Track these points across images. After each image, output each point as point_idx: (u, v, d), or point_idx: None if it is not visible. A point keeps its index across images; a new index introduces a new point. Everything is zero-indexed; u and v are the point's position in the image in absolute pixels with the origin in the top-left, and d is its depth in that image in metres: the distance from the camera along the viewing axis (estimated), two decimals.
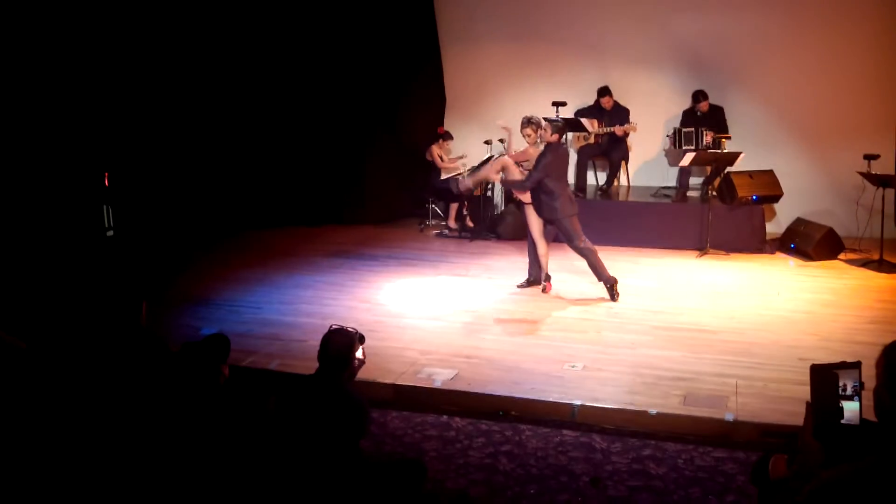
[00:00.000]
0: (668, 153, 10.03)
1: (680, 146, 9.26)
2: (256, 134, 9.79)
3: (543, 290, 7.00)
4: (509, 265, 8.08)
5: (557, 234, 7.02)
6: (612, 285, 6.85)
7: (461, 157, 10.05)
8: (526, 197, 6.86)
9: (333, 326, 3.76)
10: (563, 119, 9.29)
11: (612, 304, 6.77)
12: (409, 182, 10.47)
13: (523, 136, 6.86)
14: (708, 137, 9.12)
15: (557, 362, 5.49)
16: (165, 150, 8.93)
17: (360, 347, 3.77)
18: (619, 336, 6.02)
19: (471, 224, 9.95)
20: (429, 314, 6.57)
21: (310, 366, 3.80)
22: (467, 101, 10.81)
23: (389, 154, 10.41)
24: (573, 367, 5.41)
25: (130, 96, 8.49)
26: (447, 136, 10.03)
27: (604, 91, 9.57)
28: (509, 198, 9.66)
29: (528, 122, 6.81)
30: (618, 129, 9.35)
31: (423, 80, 10.51)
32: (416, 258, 8.52)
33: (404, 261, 8.40)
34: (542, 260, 6.97)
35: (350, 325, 3.84)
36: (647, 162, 10.26)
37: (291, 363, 5.42)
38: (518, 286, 7.19)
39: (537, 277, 7.16)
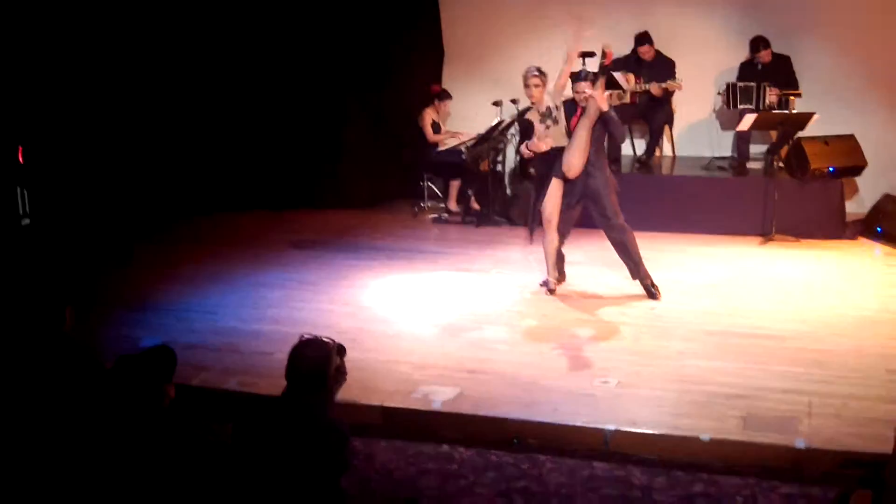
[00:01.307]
0: (721, 115, 10.01)
1: (736, 106, 9.24)
2: (209, 96, 9.80)
3: (550, 291, 7.01)
4: (525, 257, 8.08)
5: (582, 219, 7.01)
6: (651, 281, 6.86)
7: (458, 135, 10.05)
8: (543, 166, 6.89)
9: (305, 336, 3.75)
10: (592, 73, 9.31)
11: (653, 303, 6.77)
12: (400, 155, 10.48)
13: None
14: (772, 95, 9.11)
15: (586, 377, 5.49)
16: (97, 117, 8.91)
17: (340, 361, 3.77)
18: (663, 344, 6.02)
19: (476, 206, 9.95)
20: (425, 319, 6.56)
21: (277, 385, 3.80)
22: (470, 52, 10.79)
23: (375, 121, 10.40)
24: (605, 382, 5.42)
25: (54, 52, 8.47)
26: (444, 96, 10.02)
27: (642, 38, 9.54)
28: (524, 173, 9.65)
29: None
30: (658, 87, 9.34)
31: (416, 27, 10.51)
32: (408, 249, 8.52)
33: (394, 253, 8.40)
34: (549, 249, 6.95)
35: (326, 334, 3.83)
36: (696, 126, 10.24)
37: (254, 381, 5.43)
38: (544, 285, 7.17)
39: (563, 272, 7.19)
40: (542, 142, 6.82)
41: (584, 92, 6.68)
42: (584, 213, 6.99)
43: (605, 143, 7.07)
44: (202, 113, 9.79)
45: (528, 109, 6.94)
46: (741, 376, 5.46)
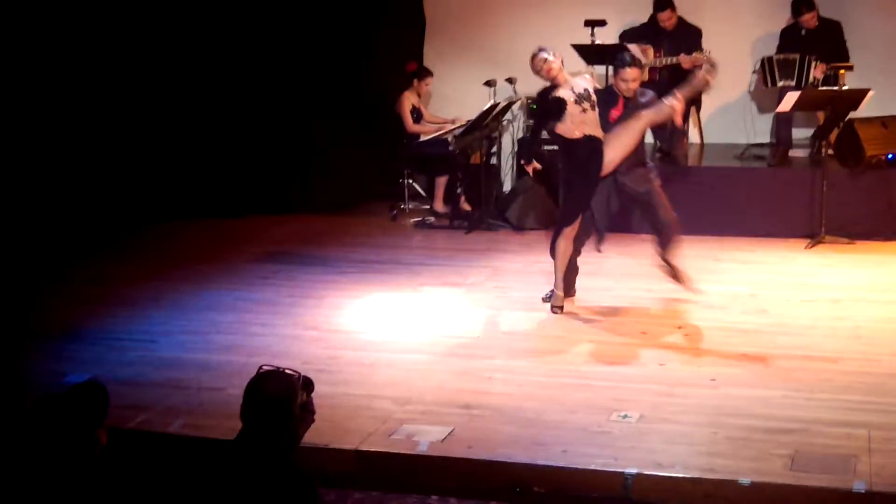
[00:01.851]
0: (758, 94, 10.06)
1: (775, 83, 9.29)
2: (154, 87, 9.81)
3: (557, 308, 7.03)
4: (528, 267, 8.08)
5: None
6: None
7: (444, 122, 10.07)
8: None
9: (264, 368, 3.74)
10: (600, 46, 9.37)
11: (680, 320, 6.78)
12: (376, 148, 10.49)
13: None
14: (818, 69, 9.15)
15: (601, 411, 5.49)
16: (29, 118, 8.93)
17: (306, 398, 3.75)
18: (694, 369, 6.03)
19: (467, 207, 9.98)
20: (408, 345, 6.56)
21: (230, 427, 3.79)
22: (456, 23, 10.84)
23: (347, 109, 10.42)
24: (625, 417, 5.41)
25: None
26: (424, 74, 10.05)
27: (663, 3, 9.58)
28: (524, 170, 9.70)
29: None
30: (684, 60, 9.36)
31: None
32: (387, 261, 8.54)
33: (370, 266, 8.41)
34: (562, 258, 6.96)
35: (290, 364, 3.82)
36: (729, 108, 10.30)
37: (203, 423, 5.40)
38: (548, 301, 7.19)
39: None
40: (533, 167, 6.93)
41: (629, 81, 6.71)
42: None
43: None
44: (147, 107, 9.80)
45: (553, 88, 6.76)
46: (787, 407, 5.47)
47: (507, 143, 10.60)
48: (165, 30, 9.77)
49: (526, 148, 8.20)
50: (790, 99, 8.55)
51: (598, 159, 6.71)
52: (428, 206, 10.16)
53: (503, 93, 9.99)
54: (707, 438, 5.15)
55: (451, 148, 9.46)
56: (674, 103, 6.75)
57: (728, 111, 10.27)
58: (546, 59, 6.70)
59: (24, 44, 8.99)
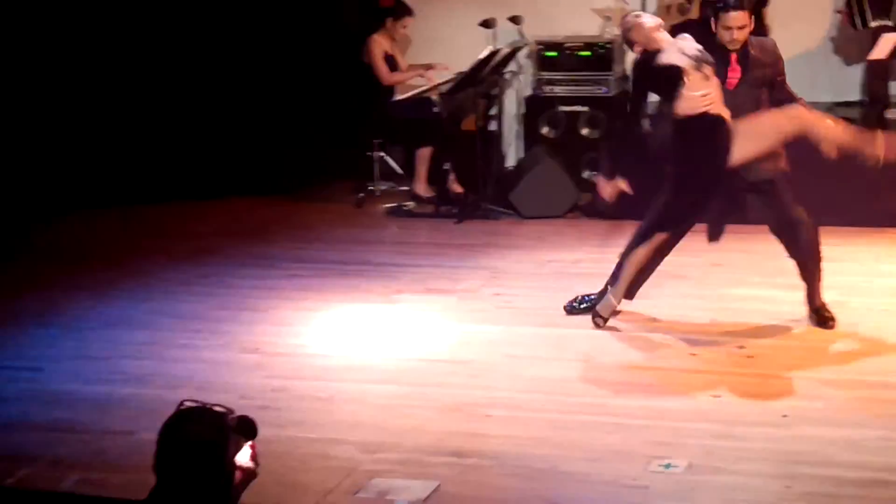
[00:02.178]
0: (843, 40, 10.08)
1: (866, 23, 9.32)
2: (59, 52, 9.90)
3: (600, 321, 7.05)
4: (539, 268, 8.12)
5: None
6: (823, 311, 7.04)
7: (429, 68, 10.07)
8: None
9: (186, 404, 3.72)
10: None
11: (741, 337, 6.82)
12: (337, 110, 10.48)
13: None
14: None
15: (636, 458, 5.48)
16: None
17: (244, 443, 3.75)
18: (759, 402, 6.02)
19: (458, 189, 9.98)
20: (379, 372, 6.56)
21: (140, 482, 3.78)
22: None
23: (295, 55, 10.40)
24: (668, 467, 5.41)
25: None
26: (401, 12, 10.06)
27: None
28: (537, 138, 9.70)
29: None
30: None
31: None
32: (352, 261, 8.57)
33: (330, 268, 8.43)
34: (631, 272, 6.96)
35: (222, 400, 3.81)
36: (806, 58, 10.31)
37: (103, 478, 5.39)
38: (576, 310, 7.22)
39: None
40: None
41: (734, 29, 6.75)
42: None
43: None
44: (49, 77, 9.92)
45: (653, 54, 6.76)
46: (883, 451, 5.46)
47: (511, 104, 10.61)
48: None
49: (611, 155, 8.09)
50: (887, 43, 8.57)
51: (727, 147, 6.67)
52: (406, 188, 10.16)
53: (506, 37, 10.00)
54: (777, 493, 5.14)
55: (436, 110, 9.48)
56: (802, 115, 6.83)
57: (806, 61, 10.28)
58: (638, 22, 6.81)
59: None
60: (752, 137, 6.69)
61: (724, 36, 6.83)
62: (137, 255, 8.75)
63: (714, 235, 7.10)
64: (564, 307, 7.23)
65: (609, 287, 7.07)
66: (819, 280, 7.06)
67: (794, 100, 6.94)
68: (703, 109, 6.61)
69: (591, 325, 7.08)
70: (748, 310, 7.26)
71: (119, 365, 6.71)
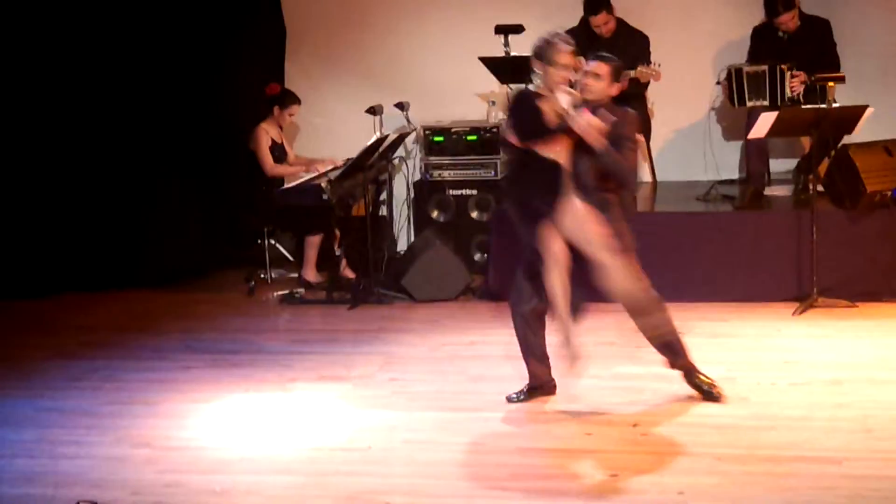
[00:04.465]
0: (723, 116, 10.25)
1: (744, 102, 9.47)
2: None
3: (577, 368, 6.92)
4: (434, 352, 8.14)
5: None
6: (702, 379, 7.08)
7: (315, 163, 10.09)
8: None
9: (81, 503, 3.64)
10: (517, 59, 9.47)
11: (634, 415, 6.86)
12: (226, 199, 10.43)
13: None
14: (796, 81, 9.34)
15: None
16: None
17: None
18: (655, 479, 6.00)
19: (350, 274, 9.97)
20: (275, 463, 6.48)
21: None
22: (326, 32, 10.89)
23: (185, 146, 10.36)
24: None
25: None
26: (288, 100, 10.08)
27: (595, 5, 9.74)
28: (424, 222, 9.72)
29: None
30: (623, 78, 9.49)
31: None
32: (245, 350, 8.52)
33: (222, 358, 8.34)
34: (567, 326, 6.87)
35: (114, 497, 3.74)
36: (686, 136, 10.47)
37: None
38: (513, 397, 7.20)
39: (546, 380, 7.22)
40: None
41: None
42: None
43: None
44: None
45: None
46: None
47: (401, 189, 10.64)
48: None
49: None
50: (765, 122, 8.64)
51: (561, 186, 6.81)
52: (297, 275, 10.11)
53: (392, 122, 10.03)
54: None
55: (325, 197, 9.45)
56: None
57: (686, 140, 10.45)
58: (555, 63, 6.73)
59: None
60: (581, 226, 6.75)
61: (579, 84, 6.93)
62: (19, 351, 8.61)
63: (574, 314, 7.09)
64: (509, 398, 7.19)
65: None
66: (684, 354, 7.06)
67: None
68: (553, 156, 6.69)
69: (485, 408, 7.09)
70: (641, 388, 7.29)
71: (9, 464, 6.53)
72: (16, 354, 8.53)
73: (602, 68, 6.93)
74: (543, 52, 6.73)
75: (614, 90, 6.99)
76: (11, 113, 9.99)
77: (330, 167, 9.92)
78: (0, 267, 9.95)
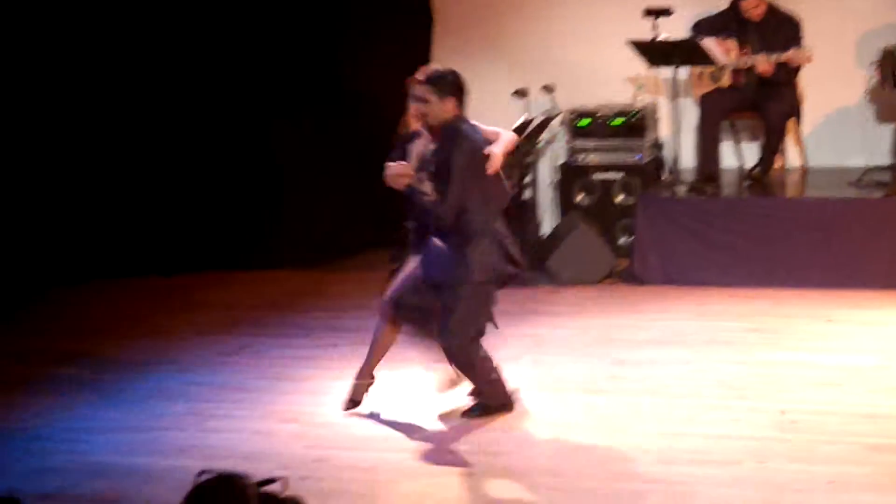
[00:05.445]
0: (878, 100, 10.05)
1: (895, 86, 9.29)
2: (71, 114, 9.91)
3: (351, 404, 6.91)
4: (580, 335, 8.12)
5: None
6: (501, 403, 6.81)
7: None
8: None
9: (205, 476, 3.61)
10: (666, 42, 9.38)
11: (783, 402, 6.75)
12: (373, 182, 10.46)
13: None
14: None
15: None
16: None
17: None
18: (804, 468, 5.92)
19: None
20: (421, 442, 6.51)
21: None
22: (474, 18, 10.89)
23: (333, 131, 10.44)
24: None
25: None
26: None
27: None
28: (569, 205, 9.68)
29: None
30: (767, 61, 9.36)
31: None
32: None
33: (368, 337, 8.30)
34: (377, 354, 6.94)
35: (261, 471, 3.75)
36: (839, 119, 10.30)
37: None
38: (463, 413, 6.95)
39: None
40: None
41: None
42: None
43: None
44: (61, 141, 9.93)
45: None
46: None
47: (545, 172, 10.61)
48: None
49: None
50: None
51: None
52: None
53: (539, 106, 10.00)
54: None
55: None
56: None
57: (839, 124, 10.27)
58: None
59: None
60: None
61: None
62: (171, 326, 8.77)
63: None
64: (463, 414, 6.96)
65: None
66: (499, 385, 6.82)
67: None
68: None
69: (630, 392, 7.07)
70: (787, 374, 7.19)
71: (160, 436, 6.68)
72: (163, 330, 8.68)
73: (422, 89, 6.58)
74: None
75: (449, 106, 6.56)
76: (160, 89, 10.15)
77: None
78: (143, 244, 10.12)
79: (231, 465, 3.86)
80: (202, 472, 3.62)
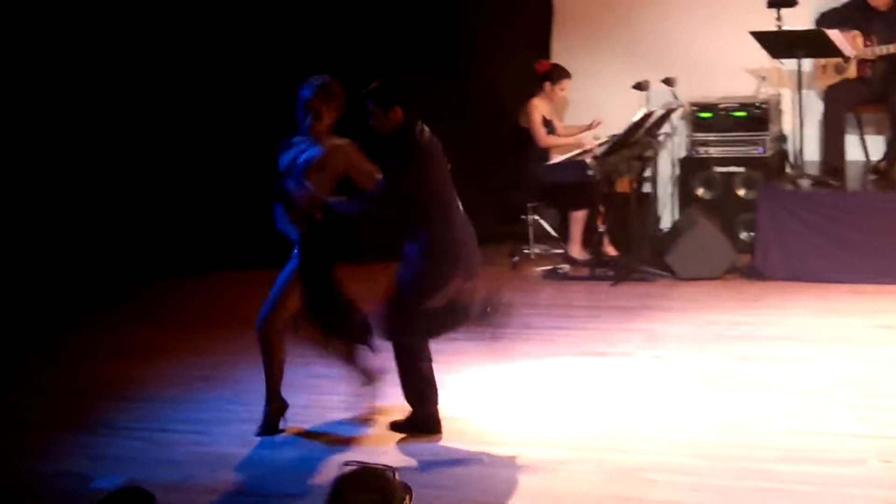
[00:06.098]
0: None
1: None
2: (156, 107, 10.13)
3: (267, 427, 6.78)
4: (699, 330, 8.07)
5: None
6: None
7: (590, 126, 10.05)
8: None
9: (350, 467, 3.68)
10: (790, 33, 9.26)
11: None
12: (491, 174, 10.50)
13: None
14: None
15: None
16: None
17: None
18: None
19: (612, 251, 9.91)
20: (538, 436, 6.52)
21: None
22: (593, 9, 10.85)
23: (448, 122, 10.44)
24: None
25: None
26: (559, 75, 10.05)
27: None
28: (690, 197, 9.61)
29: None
30: None
31: None
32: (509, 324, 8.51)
33: (483, 330, 8.37)
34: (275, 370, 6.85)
35: (391, 464, 3.78)
36: None
37: None
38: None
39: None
40: None
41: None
42: None
43: None
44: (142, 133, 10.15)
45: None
46: None
47: (666, 165, 10.53)
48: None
49: None
50: None
51: None
52: (561, 251, 10.12)
53: (659, 98, 9.93)
54: None
55: (590, 173, 9.40)
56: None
57: None
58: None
59: None
60: None
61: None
62: None
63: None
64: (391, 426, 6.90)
65: None
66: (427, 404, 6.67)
67: None
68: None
69: (751, 389, 6.99)
70: None
71: (291, 422, 6.76)
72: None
73: (369, 106, 6.54)
74: None
75: (396, 115, 6.56)
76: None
77: (598, 139, 9.88)
78: (240, 236, 10.17)
79: (354, 458, 3.90)
80: (345, 464, 3.68)
